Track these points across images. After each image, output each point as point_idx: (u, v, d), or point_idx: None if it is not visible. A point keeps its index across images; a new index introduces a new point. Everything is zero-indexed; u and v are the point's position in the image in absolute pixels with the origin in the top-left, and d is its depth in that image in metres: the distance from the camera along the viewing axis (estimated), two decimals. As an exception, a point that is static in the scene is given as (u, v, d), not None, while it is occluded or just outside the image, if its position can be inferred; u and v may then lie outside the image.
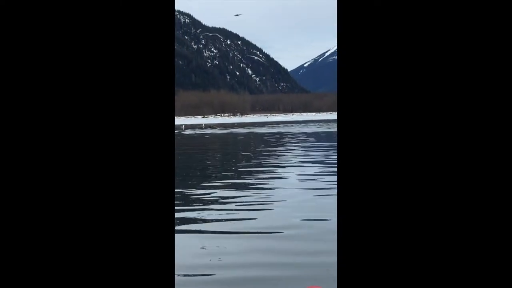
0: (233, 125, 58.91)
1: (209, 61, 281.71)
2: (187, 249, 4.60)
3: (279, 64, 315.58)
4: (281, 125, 53.48)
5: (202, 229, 5.37)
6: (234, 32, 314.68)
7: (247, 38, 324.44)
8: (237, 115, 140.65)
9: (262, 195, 7.42)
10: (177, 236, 4.93)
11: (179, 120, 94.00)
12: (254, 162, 12.90)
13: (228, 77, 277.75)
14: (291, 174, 10.07)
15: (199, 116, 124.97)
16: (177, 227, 5.38)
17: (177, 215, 5.90)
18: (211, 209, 6.40)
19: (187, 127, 52.26)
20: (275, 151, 16.48)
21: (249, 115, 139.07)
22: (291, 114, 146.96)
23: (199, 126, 49.81)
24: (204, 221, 5.79)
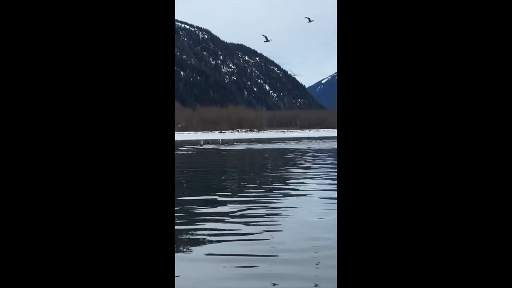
0: (250, 141, 59.01)
1: (227, 76, 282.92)
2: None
3: (296, 80, 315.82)
4: (295, 141, 53.41)
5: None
6: (252, 48, 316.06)
7: (265, 54, 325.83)
8: (254, 131, 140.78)
9: (276, 215, 7.36)
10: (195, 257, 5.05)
11: (196, 136, 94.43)
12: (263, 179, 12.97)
13: (245, 92, 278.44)
14: (311, 191, 9.98)
15: (216, 132, 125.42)
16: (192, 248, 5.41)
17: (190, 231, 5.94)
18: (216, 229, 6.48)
19: (205, 142, 52.48)
20: (290, 168, 16.55)
21: (266, 131, 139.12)
22: (308, 130, 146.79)
23: (198, 143, 49.94)
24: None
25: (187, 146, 41.56)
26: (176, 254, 4.67)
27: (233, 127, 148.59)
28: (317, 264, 4.06)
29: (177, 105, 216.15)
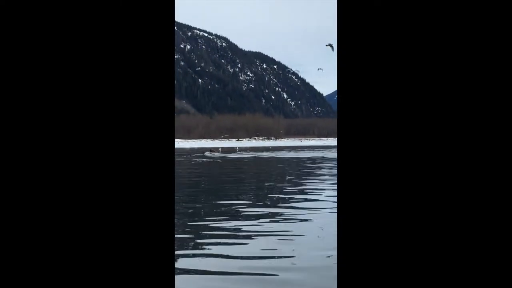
0: (267, 149, 58.77)
1: (245, 84, 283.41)
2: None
3: (314, 88, 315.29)
4: (312, 150, 53.05)
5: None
6: (270, 56, 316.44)
7: (283, 62, 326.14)
8: (271, 139, 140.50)
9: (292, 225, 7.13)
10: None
11: (213, 143, 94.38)
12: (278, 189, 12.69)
13: (263, 100, 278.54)
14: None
15: (234, 139, 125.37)
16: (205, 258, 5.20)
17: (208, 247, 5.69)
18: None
19: (223, 150, 52.38)
20: (306, 177, 16.25)
21: (283, 139, 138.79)
22: (326, 138, 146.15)
23: (209, 150, 49.87)
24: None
25: (203, 153, 41.38)
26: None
27: (250, 135, 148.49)
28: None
29: (194, 112, 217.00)
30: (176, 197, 10.46)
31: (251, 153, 44.23)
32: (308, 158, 30.58)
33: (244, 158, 34.08)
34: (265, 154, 39.93)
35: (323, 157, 32.06)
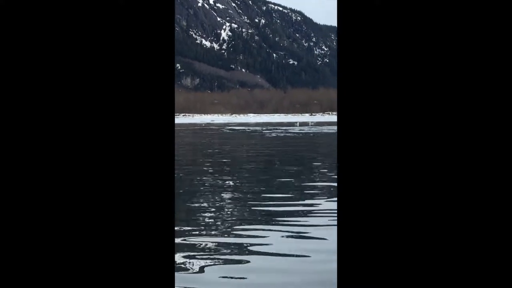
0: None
1: (320, 59, 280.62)
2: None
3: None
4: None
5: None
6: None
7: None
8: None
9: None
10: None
11: (286, 118, 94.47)
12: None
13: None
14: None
15: (307, 114, 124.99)
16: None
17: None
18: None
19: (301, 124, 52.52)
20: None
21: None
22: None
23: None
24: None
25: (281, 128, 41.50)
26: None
27: (324, 110, 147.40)
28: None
29: (268, 87, 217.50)
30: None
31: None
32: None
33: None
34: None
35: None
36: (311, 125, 52.27)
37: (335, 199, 7.22)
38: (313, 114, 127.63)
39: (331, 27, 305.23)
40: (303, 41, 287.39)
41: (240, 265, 4.41)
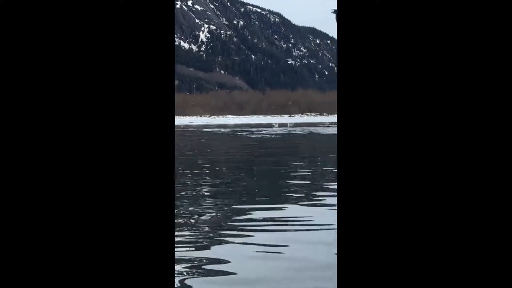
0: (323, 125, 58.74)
1: (298, 60, 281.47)
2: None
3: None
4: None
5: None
6: (324, 31, 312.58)
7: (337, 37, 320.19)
8: (324, 115, 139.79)
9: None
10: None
11: (265, 119, 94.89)
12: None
13: (316, 76, 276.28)
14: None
15: (286, 115, 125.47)
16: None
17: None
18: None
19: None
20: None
21: (335, 115, 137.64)
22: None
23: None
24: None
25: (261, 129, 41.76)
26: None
27: (302, 111, 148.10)
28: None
29: (247, 88, 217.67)
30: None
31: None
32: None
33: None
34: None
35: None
36: (290, 126, 52.71)
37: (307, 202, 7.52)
38: (292, 115, 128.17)
39: (309, 28, 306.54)
40: (282, 42, 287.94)
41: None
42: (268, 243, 5.54)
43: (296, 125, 56.95)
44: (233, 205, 7.63)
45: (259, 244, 5.48)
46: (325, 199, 7.63)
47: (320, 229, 5.93)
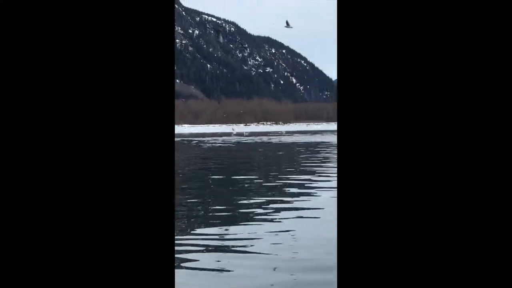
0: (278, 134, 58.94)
1: (254, 69, 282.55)
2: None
3: (323, 73, 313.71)
4: (321, 134, 53.22)
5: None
6: (279, 41, 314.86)
7: (292, 47, 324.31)
8: (279, 124, 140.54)
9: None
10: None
11: (221, 128, 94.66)
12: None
13: (272, 85, 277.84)
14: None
15: (241, 124, 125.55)
16: None
17: None
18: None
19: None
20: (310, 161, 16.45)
21: (291, 124, 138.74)
22: (334, 123, 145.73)
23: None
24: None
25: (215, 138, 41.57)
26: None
27: (258, 120, 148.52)
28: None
29: (202, 97, 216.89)
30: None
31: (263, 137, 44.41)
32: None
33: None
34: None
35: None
36: (245, 135, 52.65)
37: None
38: (247, 124, 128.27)
39: (264, 37, 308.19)
40: (237, 51, 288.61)
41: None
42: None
43: (252, 133, 56.95)
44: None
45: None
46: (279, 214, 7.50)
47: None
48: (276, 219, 6.83)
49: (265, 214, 7.09)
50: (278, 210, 7.51)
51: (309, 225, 6.63)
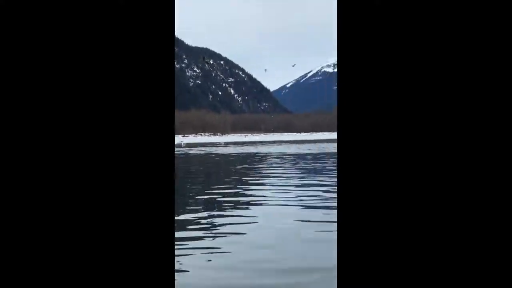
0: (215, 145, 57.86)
1: (192, 80, 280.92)
2: None
3: (261, 84, 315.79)
4: (259, 145, 52.59)
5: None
6: (217, 52, 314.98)
7: (230, 58, 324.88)
8: (217, 135, 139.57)
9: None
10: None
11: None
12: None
13: (210, 96, 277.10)
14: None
15: (180, 135, 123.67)
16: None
17: None
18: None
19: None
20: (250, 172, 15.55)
21: (229, 135, 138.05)
22: (272, 134, 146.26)
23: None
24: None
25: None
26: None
27: (196, 131, 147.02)
28: None
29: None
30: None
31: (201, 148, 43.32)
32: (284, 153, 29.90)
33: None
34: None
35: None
36: (184, 146, 51.30)
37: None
38: (185, 135, 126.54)
39: (202, 48, 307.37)
40: (175, 62, 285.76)
41: None
42: None
43: (190, 145, 55.62)
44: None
45: None
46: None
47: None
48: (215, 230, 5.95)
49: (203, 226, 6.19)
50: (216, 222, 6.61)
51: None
